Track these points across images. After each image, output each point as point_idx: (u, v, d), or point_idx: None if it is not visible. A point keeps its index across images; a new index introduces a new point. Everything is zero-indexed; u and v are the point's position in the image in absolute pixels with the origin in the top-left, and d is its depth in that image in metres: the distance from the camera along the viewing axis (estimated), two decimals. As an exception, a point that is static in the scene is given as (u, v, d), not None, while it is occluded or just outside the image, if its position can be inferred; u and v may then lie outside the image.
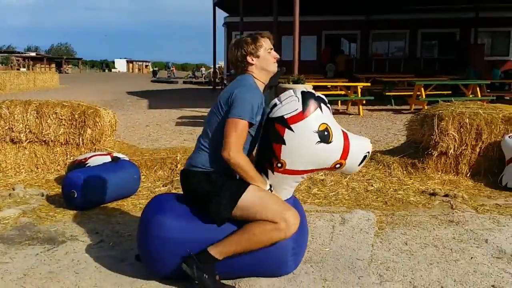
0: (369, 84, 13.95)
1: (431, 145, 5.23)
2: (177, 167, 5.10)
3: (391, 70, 20.31)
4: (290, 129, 2.51)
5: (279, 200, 2.61)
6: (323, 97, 2.63)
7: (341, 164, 2.62)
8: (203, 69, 46.15)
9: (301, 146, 2.52)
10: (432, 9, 19.96)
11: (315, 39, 21.90)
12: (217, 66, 25.17)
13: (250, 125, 2.58)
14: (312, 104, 2.54)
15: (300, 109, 2.52)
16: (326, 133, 2.53)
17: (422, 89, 11.78)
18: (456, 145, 5.18)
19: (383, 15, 20.73)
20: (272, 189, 2.63)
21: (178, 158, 5.23)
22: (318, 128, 2.52)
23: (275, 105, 2.59)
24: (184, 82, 32.96)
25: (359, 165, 2.67)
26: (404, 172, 5.23)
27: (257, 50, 2.74)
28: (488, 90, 13.87)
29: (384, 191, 4.70)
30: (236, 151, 2.51)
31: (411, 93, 12.34)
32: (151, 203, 2.80)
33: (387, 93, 13.85)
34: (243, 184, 2.58)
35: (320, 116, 2.54)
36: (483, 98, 11.60)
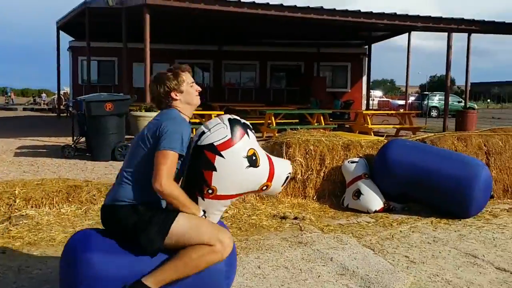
0: (222, 112, 14.28)
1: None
2: (15, 201, 4.66)
3: (243, 99, 21.05)
4: (221, 155, 2.57)
5: (211, 223, 2.64)
6: (248, 123, 2.76)
7: (267, 186, 2.75)
8: (44, 95, 43.30)
9: (232, 172, 2.60)
10: (280, 43, 21.25)
11: (167, 67, 21.79)
12: (61, 92, 23.80)
13: (180, 156, 2.57)
14: (240, 130, 2.65)
15: (229, 135, 2.60)
16: (254, 157, 2.64)
17: (273, 117, 12.40)
18: (303, 170, 5.49)
19: (234, 46, 21.51)
20: (205, 215, 2.65)
21: (16, 192, 4.79)
22: (247, 153, 2.63)
23: (203, 132, 2.65)
24: (25, 109, 30.50)
25: (282, 185, 2.83)
26: (257, 197, 5.39)
27: (180, 85, 2.77)
28: (331, 119, 15.04)
29: (238, 217, 4.79)
30: (168, 181, 2.50)
31: (263, 121, 12.91)
32: (75, 239, 2.55)
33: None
34: (173, 213, 2.56)
35: (247, 141, 2.65)
36: (326, 126, 12.53)
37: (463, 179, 4.85)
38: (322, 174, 5.55)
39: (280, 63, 22.51)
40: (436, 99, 29.56)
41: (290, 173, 2.87)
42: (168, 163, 2.51)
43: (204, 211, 2.65)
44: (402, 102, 26.77)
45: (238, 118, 2.74)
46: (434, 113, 28.14)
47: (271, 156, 2.83)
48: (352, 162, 5.43)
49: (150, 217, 2.54)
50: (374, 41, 20.93)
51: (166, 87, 2.75)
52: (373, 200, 5.10)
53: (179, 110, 2.76)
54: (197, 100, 2.84)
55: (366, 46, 21.41)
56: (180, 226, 2.52)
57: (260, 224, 4.59)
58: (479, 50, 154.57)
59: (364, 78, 21.66)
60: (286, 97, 21.81)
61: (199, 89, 2.85)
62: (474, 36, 15.94)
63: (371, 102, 25.10)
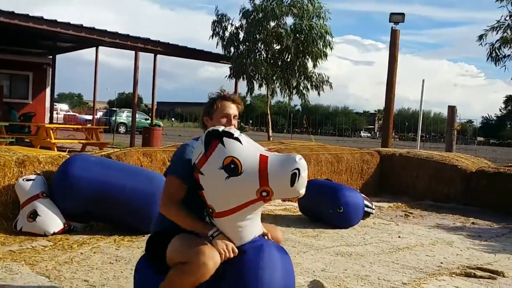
0: None
1: None
2: None
3: None
4: (201, 173, 2.45)
5: (198, 243, 2.44)
6: (230, 129, 2.50)
7: (267, 192, 2.38)
8: None
9: (214, 187, 2.43)
10: None
11: None
12: None
13: (184, 180, 2.58)
14: (213, 141, 2.45)
15: (203, 150, 2.46)
16: (232, 165, 2.38)
17: None
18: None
19: None
20: (217, 233, 2.48)
21: None
22: (223, 163, 2.39)
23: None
24: None
25: (293, 185, 2.36)
26: None
27: (212, 112, 2.78)
28: (9, 132, 13.54)
29: None
30: (164, 204, 2.62)
31: None
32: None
33: None
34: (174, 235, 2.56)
35: (222, 150, 2.42)
36: (2, 140, 11.18)
37: (147, 195, 4.84)
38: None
39: None
40: (124, 116, 30.12)
41: (298, 168, 2.35)
42: (166, 188, 2.64)
43: (217, 230, 2.49)
44: (90, 117, 26.34)
45: (218, 127, 2.52)
46: (122, 129, 28.60)
47: (272, 154, 2.46)
48: (28, 180, 4.83)
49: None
50: (59, 52, 19.88)
51: (204, 108, 2.83)
52: (51, 221, 4.62)
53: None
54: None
55: (51, 56, 20.17)
56: (172, 247, 2.52)
57: None
58: (165, 72, 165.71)
59: (48, 90, 20.31)
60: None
61: (232, 124, 2.73)
62: (161, 58, 16.81)
63: (56, 115, 23.86)
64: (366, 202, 6.24)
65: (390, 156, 9.11)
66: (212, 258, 2.40)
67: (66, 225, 4.72)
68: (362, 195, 6.40)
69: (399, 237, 5.54)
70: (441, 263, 4.47)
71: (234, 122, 2.77)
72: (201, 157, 2.45)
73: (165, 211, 2.62)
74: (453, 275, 4.12)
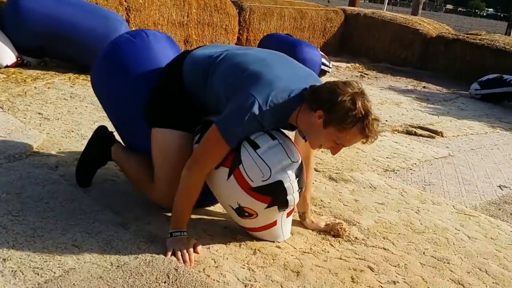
0: None
1: None
2: None
3: None
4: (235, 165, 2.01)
5: (180, 164, 1.99)
6: (292, 201, 2.07)
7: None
8: None
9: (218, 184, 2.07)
10: None
11: None
12: None
13: None
14: (264, 196, 2.01)
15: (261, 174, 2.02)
16: (246, 213, 2.06)
17: None
18: None
19: None
20: (183, 234, 2.01)
21: None
22: (240, 205, 2.04)
23: None
24: None
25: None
26: None
27: (335, 125, 1.85)
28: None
29: None
30: (191, 169, 2.01)
31: None
32: None
33: None
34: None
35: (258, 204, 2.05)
36: None
37: (102, 35, 4.71)
38: None
39: None
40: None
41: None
42: (206, 149, 2.00)
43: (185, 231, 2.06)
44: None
45: (289, 191, 2.03)
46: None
47: (281, 220, 2.16)
48: (-24, 8, 4.59)
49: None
50: None
51: (329, 104, 1.84)
52: (3, 53, 4.49)
53: (297, 119, 1.95)
54: (312, 146, 2.02)
55: None
56: (160, 137, 2.14)
57: None
58: None
59: None
60: None
61: (334, 153, 1.98)
62: None
63: None
64: (323, 60, 6.31)
65: (355, 16, 9.00)
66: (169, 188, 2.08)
67: (19, 59, 4.62)
68: (321, 52, 6.44)
69: (351, 95, 5.72)
70: (386, 120, 4.71)
71: (338, 152, 1.99)
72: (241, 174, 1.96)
73: (186, 180, 1.97)
74: (395, 132, 4.38)
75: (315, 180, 2.98)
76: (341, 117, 1.82)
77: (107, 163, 2.50)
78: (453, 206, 2.91)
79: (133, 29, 5.86)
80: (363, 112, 1.82)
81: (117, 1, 5.81)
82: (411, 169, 3.47)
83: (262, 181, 1.93)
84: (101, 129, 2.52)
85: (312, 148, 2.08)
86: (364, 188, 3.00)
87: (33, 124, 3.29)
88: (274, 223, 2.13)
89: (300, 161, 2.04)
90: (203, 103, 2.13)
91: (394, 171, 3.39)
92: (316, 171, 3.15)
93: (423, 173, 3.43)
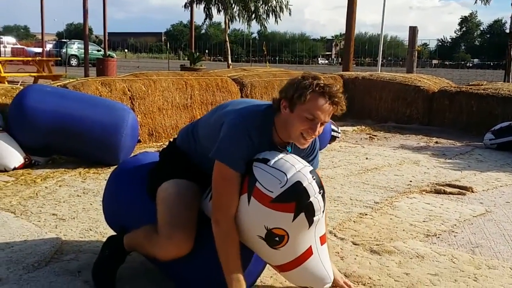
0: None
1: None
2: None
3: None
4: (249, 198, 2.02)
5: (184, 213, 2.05)
6: (319, 198, 2.00)
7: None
8: None
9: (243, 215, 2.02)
10: None
11: None
12: None
13: None
14: (288, 204, 1.96)
15: (273, 194, 1.99)
16: (277, 238, 1.99)
17: None
18: None
19: None
20: None
21: None
22: (270, 229, 1.98)
23: None
24: None
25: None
26: None
27: (296, 102, 1.96)
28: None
29: None
30: (218, 221, 2.01)
31: None
32: None
33: None
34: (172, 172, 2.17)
35: (286, 219, 2.00)
36: None
37: (110, 125, 4.64)
38: None
39: None
40: (75, 47, 28.79)
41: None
42: (220, 186, 2.05)
43: None
44: (39, 49, 24.97)
45: (304, 182, 1.97)
46: (74, 61, 27.42)
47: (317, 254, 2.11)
48: (-19, 113, 4.53)
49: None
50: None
51: (284, 89, 2.02)
52: (11, 155, 4.38)
53: (275, 124, 2.06)
54: (297, 140, 2.02)
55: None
56: (162, 190, 2.14)
57: None
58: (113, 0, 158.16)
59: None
60: None
61: (315, 133, 2.00)
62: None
63: (3, 49, 22.58)
64: (332, 127, 6.22)
65: (353, 79, 9.06)
66: (187, 243, 2.03)
67: (26, 159, 4.49)
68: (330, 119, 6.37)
69: (366, 158, 5.58)
70: (410, 181, 4.53)
71: (320, 130, 2.00)
72: (264, 192, 1.93)
73: (219, 235, 1.94)
74: (423, 193, 4.18)
75: (357, 255, 2.76)
76: (298, 93, 1.94)
77: (124, 261, 2.34)
78: (510, 268, 2.67)
79: (139, 116, 5.82)
80: (313, 77, 1.97)
81: (121, 91, 5.79)
82: (453, 231, 3.24)
83: (281, 187, 1.91)
84: (111, 237, 2.42)
85: (297, 143, 2.04)
86: (411, 258, 2.77)
87: (48, 226, 3.09)
88: (310, 251, 2.04)
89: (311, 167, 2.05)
90: (201, 154, 2.16)
91: (436, 235, 3.16)
92: (355, 244, 2.94)
93: (467, 234, 3.20)
